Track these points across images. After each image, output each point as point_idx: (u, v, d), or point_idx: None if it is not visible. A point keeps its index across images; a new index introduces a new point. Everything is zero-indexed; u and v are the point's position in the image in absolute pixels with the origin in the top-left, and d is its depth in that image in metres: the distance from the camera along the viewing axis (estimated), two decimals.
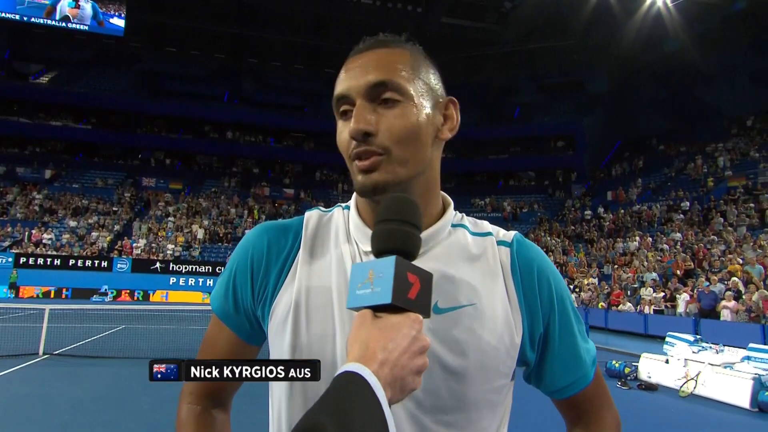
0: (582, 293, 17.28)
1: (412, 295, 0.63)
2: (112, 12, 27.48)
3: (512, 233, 0.86)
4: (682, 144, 26.78)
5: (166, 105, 31.32)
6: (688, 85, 27.71)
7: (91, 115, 30.42)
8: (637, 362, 8.05)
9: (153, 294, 21.38)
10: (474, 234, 0.85)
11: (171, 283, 21.78)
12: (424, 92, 0.79)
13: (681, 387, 7.03)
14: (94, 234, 23.53)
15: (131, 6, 27.75)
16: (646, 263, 17.29)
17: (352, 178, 0.79)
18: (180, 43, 32.65)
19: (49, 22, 26.77)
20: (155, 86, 32.55)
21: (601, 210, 25.50)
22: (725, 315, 12.13)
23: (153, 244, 23.50)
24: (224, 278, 0.88)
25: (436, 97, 0.81)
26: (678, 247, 17.64)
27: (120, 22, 27.69)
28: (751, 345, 7.52)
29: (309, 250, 0.84)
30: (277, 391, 0.80)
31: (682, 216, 20.40)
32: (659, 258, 17.26)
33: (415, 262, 0.75)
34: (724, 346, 8.12)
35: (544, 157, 32.24)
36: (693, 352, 7.58)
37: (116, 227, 24.62)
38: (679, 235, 18.61)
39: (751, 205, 18.44)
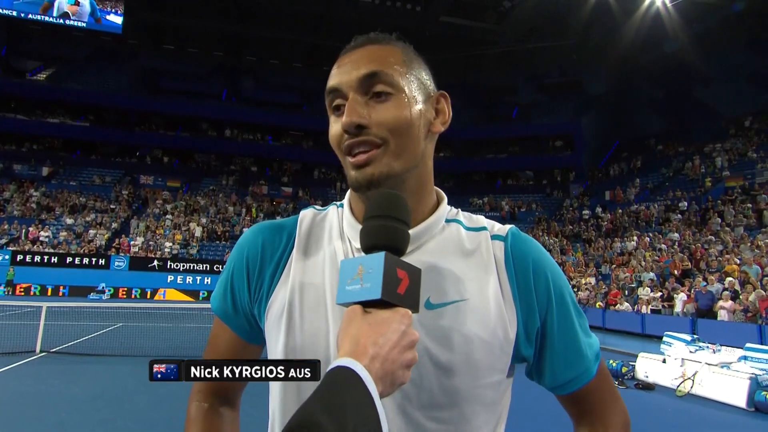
0: (580, 293, 17.32)
1: (401, 290, 0.64)
2: (110, 9, 27.37)
3: (507, 227, 0.86)
4: (680, 144, 26.84)
5: (164, 103, 31.25)
6: (687, 85, 27.77)
7: (89, 113, 30.34)
8: (635, 362, 8.07)
9: (156, 294, 21.34)
10: (468, 229, 0.84)
11: (168, 281, 21.75)
12: (416, 86, 0.80)
13: (678, 386, 7.06)
14: (92, 232, 23.48)
15: (129, 3, 27.64)
16: (643, 263, 17.33)
17: (346, 173, 0.79)
18: (178, 41, 32.56)
19: (46, 18, 26.64)
20: (153, 84, 32.47)
21: (599, 210, 25.56)
22: (722, 315, 12.17)
23: (151, 242, 23.46)
24: (222, 279, 0.90)
25: (427, 92, 0.82)
26: (675, 247, 17.69)
27: (118, 20, 27.57)
28: (748, 345, 7.55)
29: (303, 248, 0.85)
30: (273, 388, 0.82)
31: (679, 216, 20.45)
32: (657, 258, 17.31)
33: (408, 257, 0.76)
34: (721, 345, 8.15)
35: (542, 156, 32.28)
36: (690, 351, 7.60)
37: (114, 225, 24.57)
38: (676, 235, 18.66)
39: (749, 205, 18.49)
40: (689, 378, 7.03)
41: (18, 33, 30.15)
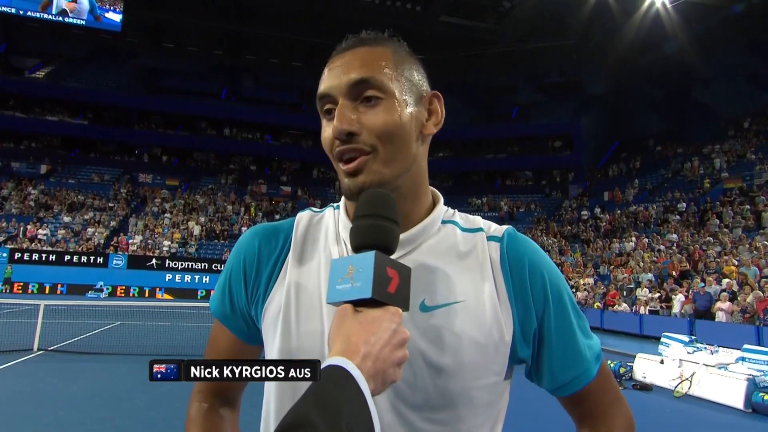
0: (578, 293, 17.35)
1: (391, 289, 0.65)
2: (110, 7, 27.32)
3: (504, 228, 0.85)
4: (679, 145, 26.88)
5: (163, 101, 31.21)
6: (686, 86, 27.80)
7: (88, 111, 30.29)
8: (632, 362, 8.08)
9: (160, 293, 21.33)
10: (464, 230, 0.84)
11: (167, 279, 21.73)
12: (407, 88, 0.79)
13: (676, 387, 7.07)
14: (90, 230, 23.45)
15: (129, 1, 27.60)
16: (642, 264, 17.37)
17: (339, 179, 0.80)
18: (177, 40, 32.52)
19: (45, 16, 26.58)
20: (152, 82, 32.42)
21: (597, 210, 25.60)
22: (720, 316, 12.20)
23: (149, 241, 23.44)
24: (221, 282, 0.91)
25: (419, 93, 0.82)
26: (674, 248, 17.72)
27: (117, 18, 27.53)
28: (746, 346, 7.57)
29: (299, 251, 0.85)
30: (268, 387, 0.82)
31: (678, 217, 20.49)
32: (655, 259, 17.34)
33: (404, 259, 0.77)
34: (719, 346, 8.17)
35: (541, 156, 32.29)
36: (688, 352, 7.62)
37: (112, 223, 24.54)
38: (675, 236, 18.70)
39: (747, 206, 18.53)
40: (687, 379, 7.04)
41: (17, 30, 30.09)
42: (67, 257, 21.13)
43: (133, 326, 11.96)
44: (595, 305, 16.41)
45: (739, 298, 12.16)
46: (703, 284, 13.49)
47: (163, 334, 10.91)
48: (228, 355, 0.89)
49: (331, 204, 0.93)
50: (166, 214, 25.93)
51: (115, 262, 21.64)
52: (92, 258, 21.41)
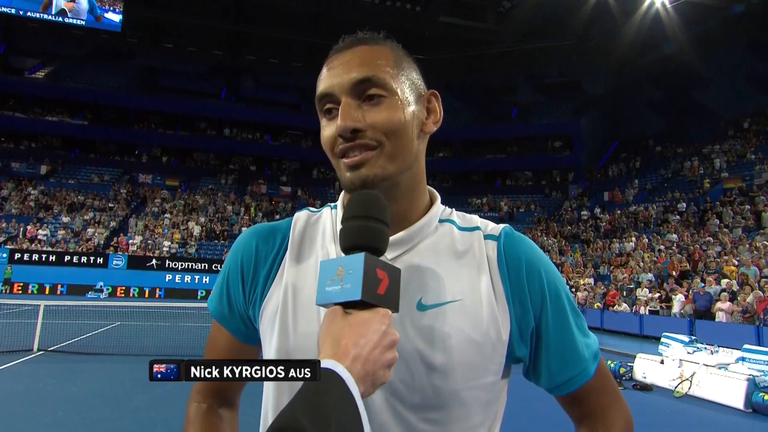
0: (578, 293, 17.34)
1: (381, 290, 0.64)
2: (109, 7, 27.33)
3: (501, 227, 0.85)
4: (679, 145, 26.89)
5: (163, 101, 31.21)
6: (686, 86, 27.80)
7: (88, 111, 30.28)
8: (632, 362, 8.08)
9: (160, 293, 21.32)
10: (461, 229, 0.84)
11: (167, 280, 21.72)
12: (408, 87, 0.80)
13: (676, 387, 7.07)
14: (90, 230, 23.45)
15: (129, 1, 27.61)
16: (642, 264, 17.36)
17: (339, 175, 0.80)
18: (177, 40, 32.52)
19: (45, 16, 26.58)
20: (152, 82, 32.42)
21: (597, 210, 25.60)
22: (720, 316, 12.20)
23: (149, 241, 23.44)
24: (219, 282, 0.91)
25: (419, 92, 0.82)
26: (674, 248, 17.72)
27: (117, 18, 27.53)
28: (746, 346, 7.57)
29: (296, 251, 0.85)
30: (266, 387, 0.82)
31: (678, 217, 20.49)
32: (655, 259, 17.34)
33: (401, 258, 0.78)
34: (719, 347, 8.17)
35: (541, 157, 32.28)
36: (688, 352, 7.63)
37: (112, 224, 24.54)
38: (675, 236, 18.69)
39: (747, 206, 18.53)
40: (687, 379, 7.04)
41: (17, 31, 30.09)
42: (67, 258, 21.13)
43: (132, 327, 11.95)
44: (595, 305, 16.40)
45: (739, 298, 12.16)
46: (703, 284, 13.50)
47: (163, 334, 10.91)
48: (226, 356, 0.89)
49: (329, 204, 0.93)
50: (166, 215, 25.93)
51: (115, 262, 21.63)
52: (92, 258, 21.40)
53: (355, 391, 0.56)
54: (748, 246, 15.16)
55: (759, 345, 9.41)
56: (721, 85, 26.30)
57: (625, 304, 15.36)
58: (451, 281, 0.77)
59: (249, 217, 26.76)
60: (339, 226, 0.84)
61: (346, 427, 0.52)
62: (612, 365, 8.06)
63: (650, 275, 16.21)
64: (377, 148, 0.75)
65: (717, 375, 6.79)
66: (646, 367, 7.82)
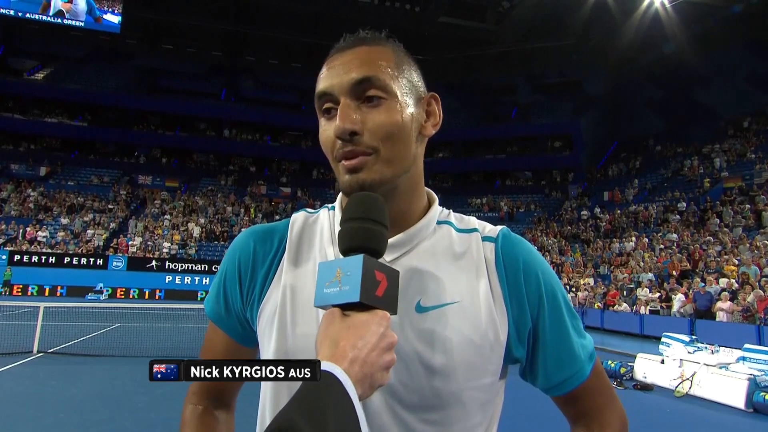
0: (578, 293, 17.34)
1: (379, 292, 0.64)
2: (108, 8, 27.34)
3: (498, 228, 0.85)
4: (679, 145, 26.89)
5: (163, 102, 31.21)
6: (685, 86, 27.82)
7: (87, 112, 30.28)
8: (633, 362, 8.07)
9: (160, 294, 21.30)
10: (459, 230, 0.84)
11: (167, 281, 21.72)
12: (408, 89, 0.79)
13: (676, 387, 7.06)
14: (90, 232, 23.44)
15: (128, 2, 27.64)
16: (642, 264, 17.36)
17: (337, 177, 0.79)
18: (176, 40, 32.54)
19: (44, 18, 26.61)
20: (151, 83, 32.43)
21: (597, 210, 25.59)
22: (721, 316, 12.20)
23: (149, 242, 23.43)
24: (215, 283, 0.91)
25: (418, 94, 0.82)
26: (674, 247, 17.72)
27: (116, 19, 27.56)
28: (746, 345, 7.57)
29: (294, 252, 0.85)
30: (264, 388, 0.82)
31: (678, 217, 20.49)
32: (655, 259, 17.34)
33: (400, 260, 0.77)
34: (720, 346, 8.17)
35: (541, 157, 32.29)
36: (688, 352, 7.62)
37: (112, 225, 24.53)
38: (675, 235, 18.69)
39: (747, 206, 18.54)
40: (687, 379, 7.03)
41: (16, 32, 30.12)
42: (66, 259, 21.12)
43: (132, 328, 11.95)
44: (596, 305, 16.40)
45: (739, 298, 12.15)
46: (703, 284, 13.49)
47: (162, 335, 10.91)
48: (223, 356, 0.89)
49: (326, 205, 0.92)
50: (165, 216, 25.93)
51: (114, 263, 21.63)
52: (92, 260, 21.40)
53: (352, 393, 0.56)
54: (748, 245, 15.16)
55: (759, 344, 9.40)
56: (720, 84, 26.32)
57: (625, 304, 15.35)
58: (450, 283, 0.77)
59: (249, 218, 26.76)
60: (337, 228, 0.83)
61: (344, 430, 0.52)
62: (612, 365, 8.06)
63: (650, 275, 16.21)
64: (373, 154, 0.75)
65: (718, 375, 6.79)
66: (646, 367, 7.81)
